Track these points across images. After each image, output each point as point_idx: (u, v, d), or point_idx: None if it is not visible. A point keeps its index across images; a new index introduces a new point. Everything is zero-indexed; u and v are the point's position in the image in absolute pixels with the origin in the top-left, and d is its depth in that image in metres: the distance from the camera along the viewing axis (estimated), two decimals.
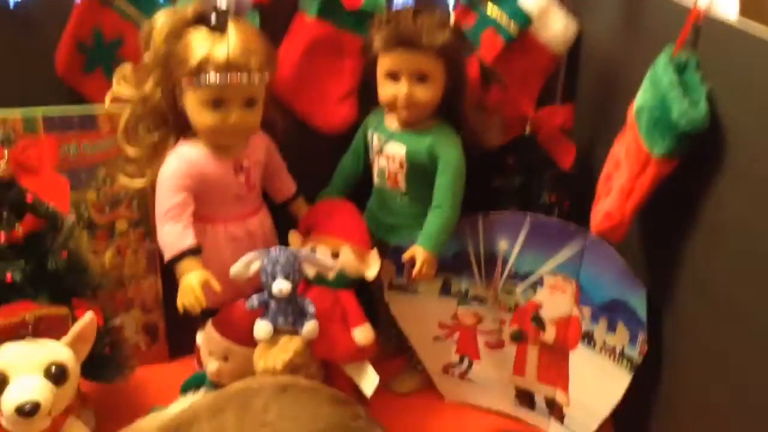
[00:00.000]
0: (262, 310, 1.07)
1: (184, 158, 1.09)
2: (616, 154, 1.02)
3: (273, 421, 0.75)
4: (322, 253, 1.13)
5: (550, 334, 1.17)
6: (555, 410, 1.20)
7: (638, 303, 1.03)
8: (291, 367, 1.04)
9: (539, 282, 1.15)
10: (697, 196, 0.93)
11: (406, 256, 1.13)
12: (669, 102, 0.87)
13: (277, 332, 1.07)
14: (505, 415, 1.25)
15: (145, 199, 1.21)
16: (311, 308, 1.07)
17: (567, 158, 1.20)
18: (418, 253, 1.11)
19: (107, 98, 1.12)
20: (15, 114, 1.12)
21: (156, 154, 1.11)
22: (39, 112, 1.13)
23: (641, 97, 0.94)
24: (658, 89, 0.90)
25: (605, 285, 1.08)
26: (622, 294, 1.05)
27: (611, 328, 1.07)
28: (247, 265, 1.06)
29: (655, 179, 0.93)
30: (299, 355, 1.05)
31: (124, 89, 1.10)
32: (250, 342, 1.08)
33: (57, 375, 0.92)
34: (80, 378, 1.00)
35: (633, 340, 1.04)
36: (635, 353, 1.04)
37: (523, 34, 1.19)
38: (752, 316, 0.83)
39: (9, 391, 0.89)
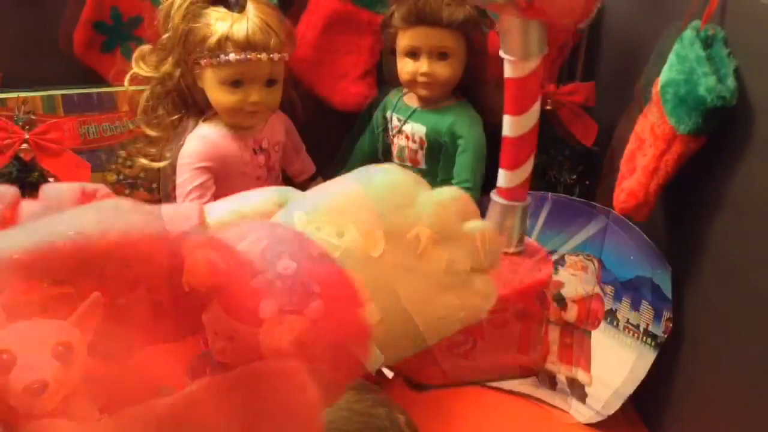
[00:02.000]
0: (268, 290, 1.07)
1: (205, 139, 1.08)
2: (640, 132, 1.00)
3: None
4: (328, 233, 1.13)
5: (571, 314, 1.16)
6: (577, 390, 1.19)
7: (663, 280, 1.02)
8: (297, 347, 1.04)
9: (561, 261, 1.14)
10: (724, 174, 0.92)
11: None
12: (696, 78, 0.86)
13: (282, 312, 1.07)
14: (526, 396, 1.24)
15: (166, 181, 1.21)
16: (317, 288, 1.07)
17: (589, 136, 1.19)
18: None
19: (126, 79, 1.12)
20: (34, 95, 1.12)
21: (176, 135, 1.11)
22: (58, 92, 1.14)
23: (667, 74, 0.92)
24: (684, 65, 0.88)
25: (629, 262, 1.07)
26: (647, 271, 1.04)
27: (635, 306, 1.07)
28: (252, 243, 1.05)
29: (680, 157, 0.92)
30: (305, 335, 1.05)
31: (143, 70, 1.10)
32: (256, 321, 1.08)
33: (64, 354, 0.92)
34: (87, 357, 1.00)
35: (658, 317, 1.04)
36: (660, 331, 1.04)
37: None
38: None
39: (17, 370, 0.90)
